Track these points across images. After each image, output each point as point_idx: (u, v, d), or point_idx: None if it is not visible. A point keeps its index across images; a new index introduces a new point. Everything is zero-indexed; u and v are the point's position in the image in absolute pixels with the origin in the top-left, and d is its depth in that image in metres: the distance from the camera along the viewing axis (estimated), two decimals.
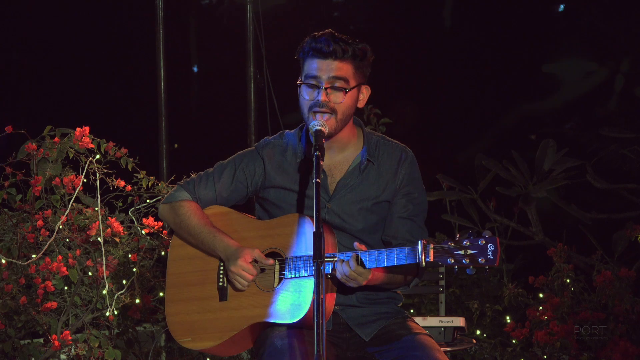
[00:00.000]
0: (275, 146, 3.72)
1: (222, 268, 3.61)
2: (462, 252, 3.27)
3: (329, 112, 3.51)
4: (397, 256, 3.36)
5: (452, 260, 3.27)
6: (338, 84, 3.51)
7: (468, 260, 3.26)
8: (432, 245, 3.30)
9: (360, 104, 3.62)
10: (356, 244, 3.41)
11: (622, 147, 7.47)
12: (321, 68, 3.50)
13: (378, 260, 3.37)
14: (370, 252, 3.39)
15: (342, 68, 3.50)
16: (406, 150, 3.70)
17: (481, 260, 3.25)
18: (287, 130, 3.77)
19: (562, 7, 9.17)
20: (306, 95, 3.54)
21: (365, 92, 3.62)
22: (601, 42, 8.24)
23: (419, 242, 3.31)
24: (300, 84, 3.55)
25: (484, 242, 3.26)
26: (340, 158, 3.66)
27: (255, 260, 3.53)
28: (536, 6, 8.89)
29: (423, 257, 3.30)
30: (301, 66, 3.58)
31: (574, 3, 8.72)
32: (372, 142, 3.67)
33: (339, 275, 3.39)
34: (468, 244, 3.26)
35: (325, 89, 3.50)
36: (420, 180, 3.70)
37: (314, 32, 3.56)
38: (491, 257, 3.25)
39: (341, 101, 3.52)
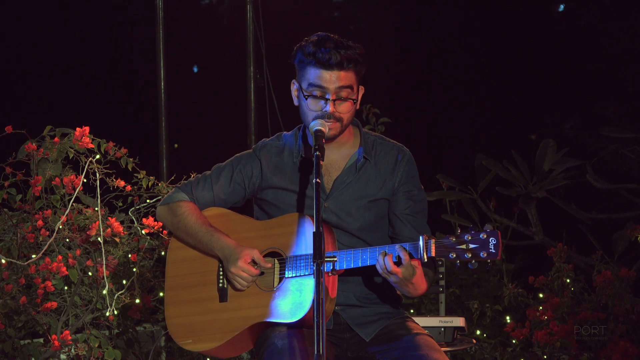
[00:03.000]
0: (272, 147, 3.72)
1: (221, 269, 3.60)
2: (463, 246, 3.27)
3: (334, 121, 3.51)
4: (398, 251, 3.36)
5: (454, 255, 3.27)
6: (344, 93, 3.50)
7: (470, 255, 3.26)
8: (433, 241, 3.30)
9: (357, 105, 3.62)
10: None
11: (622, 147, 7.47)
12: (326, 79, 3.48)
13: (410, 252, 3.35)
14: (372, 249, 3.39)
15: (347, 77, 3.49)
16: (403, 149, 3.71)
17: (483, 254, 3.25)
18: (284, 132, 3.77)
19: (562, 7, 9.17)
20: (312, 106, 3.52)
21: (361, 92, 3.61)
22: (601, 42, 8.24)
23: (420, 237, 3.31)
24: (308, 96, 3.50)
25: (485, 236, 3.26)
26: (337, 156, 3.66)
27: (254, 261, 3.53)
28: (536, 6, 8.89)
29: (425, 253, 3.30)
30: (297, 70, 3.55)
31: (574, 3, 8.72)
32: (369, 141, 3.68)
33: (379, 269, 3.35)
34: (470, 238, 3.27)
35: (334, 100, 3.49)
36: (417, 178, 3.71)
37: (307, 38, 3.51)
38: (493, 251, 3.25)
39: (348, 111, 3.52)
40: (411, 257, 3.34)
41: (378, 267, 3.36)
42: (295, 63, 3.56)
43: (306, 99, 3.51)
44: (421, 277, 3.42)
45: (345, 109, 3.52)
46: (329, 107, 3.49)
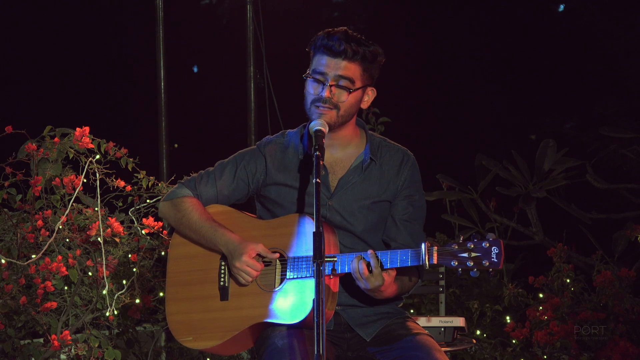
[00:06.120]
0: (277, 144, 3.73)
1: (222, 267, 3.60)
2: (466, 254, 3.27)
3: (331, 107, 3.52)
4: (400, 258, 3.36)
5: (456, 263, 3.27)
6: (343, 83, 3.52)
7: (472, 263, 3.25)
8: (435, 248, 3.30)
9: (364, 105, 3.63)
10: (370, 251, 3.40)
11: (622, 147, 7.47)
12: (329, 65, 3.51)
13: (381, 262, 3.37)
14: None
15: (349, 68, 3.51)
16: (408, 153, 3.71)
17: (485, 262, 3.24)
18: (289, 130, 3.78)
19: (562, 7, 9.17)
20: (311, 89, 3.55)
21: (370, 94, 3.63)
22: (601, 42, 8.24)
23: (423, 244, 3.31)
24: (307, 77, 3.55)
25: (488, 244, 3.25)
26: (342, 155, 3.67)
27: (260, 255, 3.53)
28: (536, 6, 8.90)
29: (427, 259, 3.30)
30: (310, 59, 3.59)
31: (574, 3, 8.72)
32: (374, 143, 3.69)
33: (353, 272, 3.38)
34: (472, 246, 3.26)
35: (330, 86, 3.51)
36: (420, 184, 3.71)
37: (329, 29, 3.56)
38: (495, 260, 3.24)
39: (344, 100, 3.53)
40: (382, 267, 3.35)
41: (352, 272, 3.37)
42: (311, 50, 3.60)
43: (306, 80, 3.55)
44: (390, 285, 3.42)
45: (341, 97, 3.53)
46: (325, 92, 3.51)
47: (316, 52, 3.55)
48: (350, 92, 3.53)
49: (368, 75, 3.57)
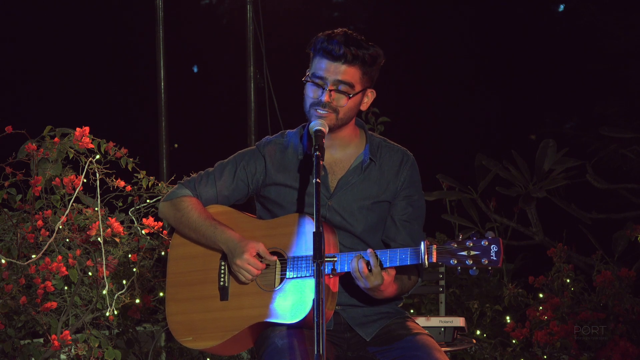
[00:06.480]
0: (277, 144, 3.73)
1: (222, 267, 3.60)
2: (465, 252, 3.27)
3: (330, 111, 3.52)
4: (400, 257, 3.36)
5: (455, 261, 3.27)
6: (343, 87, 3.52)
7: (471, 261, 3.26)
8: (435, 246, 3.30)
9: (364, 107, 3.62)
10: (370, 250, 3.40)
11: (622, 147, 7.47)
12: (328, 69, 3.50)
13: (381, 261, 3.37)
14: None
15: (349, 72, 3.51)
16: (407, 153, 3.71)
17: (484, 261, 3.25)
18: (288, 130, 3.78)
19: (562, 7, 9.18)
20: (310, 93, 3.54)
21: (370, 96, 3.62)
22: (601, 42, 8.24)
23: (422, 242, 3.31)
24: (307, 81, 3.55)
25: (487, 243, 3.25)
26: (342, 156, 3.67)
27: (259, 255, 3.53)
28: (536, 6, 8.90)
29: (426, 258, 3.30)
30: (310, 60, 3.59)
31: (574, 3, 8.72)
32: (374, 143, 3.69)
33: (352, 271, 3.38)
34: (471, 244, 3.26)
35: (330, 90, 3.51)
36: (420, 184, 3.71)
37: (328, 30, 3.55)
38: (494, 259, 3.24)
39: (344, 104, 3.53)
40: (381, 266, 3.36)
41: (351, 271, 3.37)
42: (311, 52, 3.59)
43: (306, 83, 3.55)
44: (389, 284, 3.42)
45: (340, 102, 3.53)
46: (324, 97, 3.51)
47: (316, 54, 3.54)
48: (349, 97, 3.53)
49: (368, 78, 3.56)
